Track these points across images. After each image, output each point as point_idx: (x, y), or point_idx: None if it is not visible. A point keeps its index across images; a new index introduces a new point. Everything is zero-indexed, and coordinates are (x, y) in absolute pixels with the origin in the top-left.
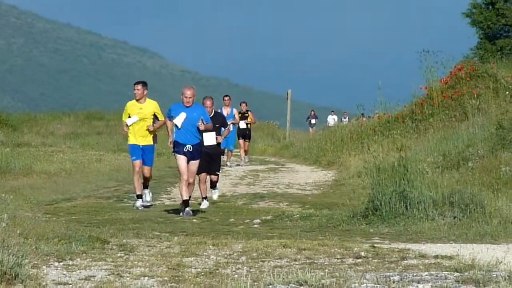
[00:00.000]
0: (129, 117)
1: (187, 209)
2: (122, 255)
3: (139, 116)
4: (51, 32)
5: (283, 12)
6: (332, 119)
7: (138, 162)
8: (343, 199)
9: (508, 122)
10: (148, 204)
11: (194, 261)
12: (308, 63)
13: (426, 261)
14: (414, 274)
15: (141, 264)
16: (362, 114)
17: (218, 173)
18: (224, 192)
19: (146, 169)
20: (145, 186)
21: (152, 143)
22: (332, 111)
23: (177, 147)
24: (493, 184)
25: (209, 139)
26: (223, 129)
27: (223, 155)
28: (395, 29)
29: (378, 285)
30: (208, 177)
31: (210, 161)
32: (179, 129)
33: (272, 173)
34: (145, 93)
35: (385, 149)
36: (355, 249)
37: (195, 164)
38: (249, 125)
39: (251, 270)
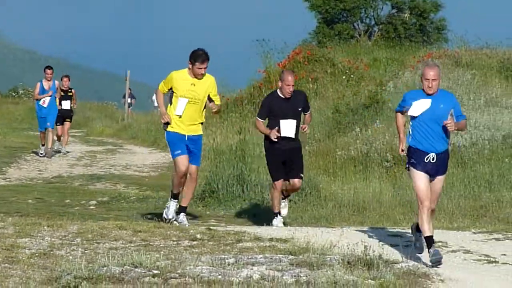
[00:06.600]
0: (171, 91)
1: (435, 249)
2: None
3: (190, 96)
4: None
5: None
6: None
7: (184, 158)
8: None
9: (344, 106)
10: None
11: (29, 242)
12: (153, 48)
13: (261, 243)
14: (249, 257)
15: None
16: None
17: (302, 175)
18: (61, 173)
19: (194, 169)
20: (184, 209)
21: (201, 132)
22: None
23: (415, 156)
24: (329, 168)
25: (288, 128)
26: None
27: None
28: (233, 16)
29: (213, 268)
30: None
31: (290, 160)
32: (417, 127)
33: (110, 154)
34: None
35: (224, 132)
36: (191, 231)
37: (440, 181)
38: (73, 106)
39: (86, 251)
